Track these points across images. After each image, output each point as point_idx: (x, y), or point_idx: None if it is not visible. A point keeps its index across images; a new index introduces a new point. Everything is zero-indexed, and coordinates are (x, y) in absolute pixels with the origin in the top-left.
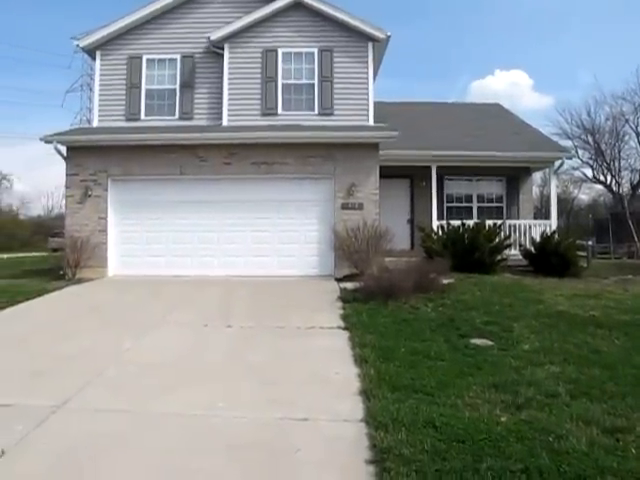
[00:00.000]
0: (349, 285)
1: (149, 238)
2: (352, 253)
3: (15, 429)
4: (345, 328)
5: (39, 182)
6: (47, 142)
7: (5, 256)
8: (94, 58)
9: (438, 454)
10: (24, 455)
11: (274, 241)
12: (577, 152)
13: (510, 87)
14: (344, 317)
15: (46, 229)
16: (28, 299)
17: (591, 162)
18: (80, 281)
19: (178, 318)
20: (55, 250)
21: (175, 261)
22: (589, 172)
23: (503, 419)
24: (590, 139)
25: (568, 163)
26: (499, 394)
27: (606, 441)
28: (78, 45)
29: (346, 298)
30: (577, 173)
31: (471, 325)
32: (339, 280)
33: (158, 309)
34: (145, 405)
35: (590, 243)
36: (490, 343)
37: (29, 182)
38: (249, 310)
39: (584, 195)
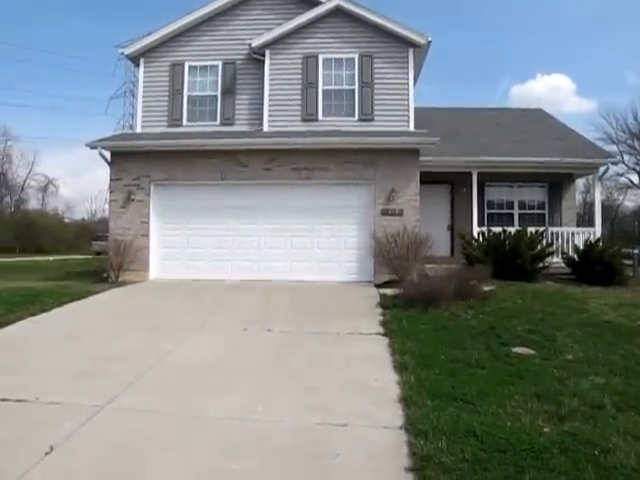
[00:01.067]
0: (389, 291)
1: (190, 242)
2: (392, 259)
3: (63, 426)
4: (385, 334)
5: (83, 187)
6: (92, 147)
7: (51, 258)
8: (138, 65)
9: (479, 464)
10: (71, 452)
11: (314, 246)
12: (622, 157)
13: (552, 91)
14: (383, 323)
15: (90, 232)
16: (74, 300)
17: (637, 168)
18: (123, 284)
19: (218, 322)
20: (98, 253)
21: (215, 265)
22: (635, 178)
23: (546, 430)
24: (636, 144)
25: (613, 169)
26: (542, 404)
27: None
28: (123, 53)
29: (386, 304)
30: (622, 179)
31: (512, 333)
32: (378, 286)
33: (199, 313)
34: (186, 407)
35: (636, 251)
36: (532, 352)
37: (74, 187)
38: (288, 315)
39: (629, 202)
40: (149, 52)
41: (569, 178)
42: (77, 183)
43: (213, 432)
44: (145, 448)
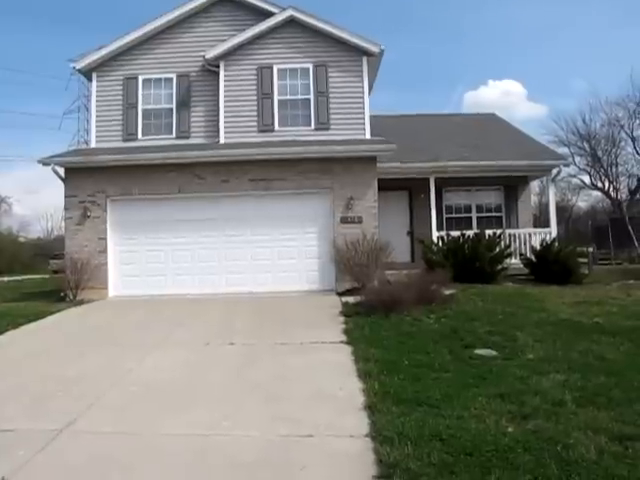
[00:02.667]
0: (351, 299)
1: (149, 257)
2: (353, 267)
3: (16, 454)
4: (348, 342)
5: (39, 204)
6: (45, 164)
7: (6, 279)
8: (90, 80)
9: (446, 467)
10: None
11: (274, 257)
12: (574, 159)
13: (504, 97)
14: (346, 331)
15: (47, 251)
16: (30, 321)
17: (588, 169)
18: (81, 302)
19: (180, 337)
20: (56, 272)
21: (176, 280)
22: (587, 179)
23: (510, 429)
24: (586, 146)
25: (565, 170)
26: (505, 404)
27: (615, 449)
28: (74, 67)
29: (348, 312)
30: (575, 180)
31: (474, 335)
32: (340, 294)
33: (160, 329)
34: (149, 426)
35: (591, 249)
36: (494, 353)
37: (28, 205)
38: (251, 327)
39: (582, 202)
40: (101, 66)
41: (524, 180)
42: (32, 201)
43: (178, 450)
44: (108, 472)
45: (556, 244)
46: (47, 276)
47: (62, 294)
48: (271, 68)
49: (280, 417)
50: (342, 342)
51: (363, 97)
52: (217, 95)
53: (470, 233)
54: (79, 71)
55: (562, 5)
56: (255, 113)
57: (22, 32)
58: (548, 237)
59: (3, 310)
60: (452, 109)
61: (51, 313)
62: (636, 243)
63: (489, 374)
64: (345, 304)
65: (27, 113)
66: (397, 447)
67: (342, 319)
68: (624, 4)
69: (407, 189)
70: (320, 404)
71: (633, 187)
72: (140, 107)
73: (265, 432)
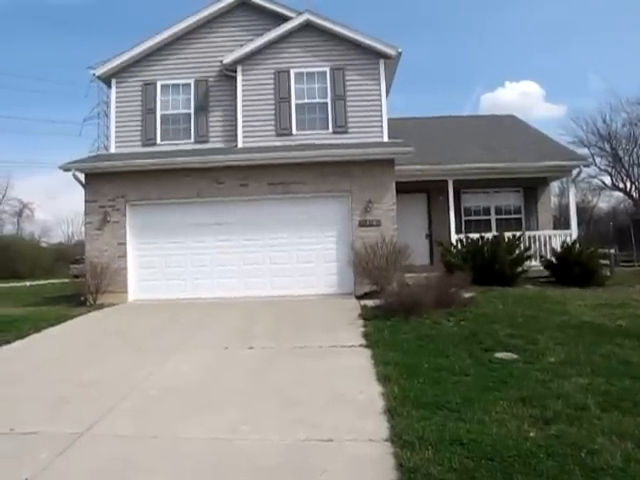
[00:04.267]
0: (369, 302)
1: (168, 262)
2: (371, 270)
3: (39, 457)
4: (367, 346)
5: (59, 210)
6: (66, 170)
7: (28, 283)
8: (110, 86)
9: (467, 472)
10: None
11: (293, 261)
12: (594, 160)
13: (522, 98)
14: (365, 335)
15: (67, 256)
16: (52, 325)
17: (609, 169)
18: (101, 307)
19: (199, 341)
20: (76, 276)
21: (195, 284)
22: (607, 179)
23: (532, 434)
24: (607, 146)
25: (586, 171)
26: (527, 408)
27: None
28: (94, 74)
29: (367, 316)
30: (595, 181)
31: (494, 339)
32: (359, 298)
33: (179, 333)
34: (168, 430)
35: (612, 251)
36: (515, 356)
37: (50, 210)
38: (270, 331)
39: (603, 203)
40: (120, 72)
41: (544, 182)
42: (53, 206)
43: (197, 454)
44: (128, 474)
45: (577, 246)
46: (67, 280)
47: (82, 298)
48: (288, 72)
49: (299, 421)
50: (361, 345)
51: (380, 100)
52: (235, 99)
53: (489, 235)
54: (98, 78)
55: (578, 5)
56: (273, 117)
57: (42, 39)
58: (569, 239)
59: (25, 314)
60: (469, 111)
61: (72, 317)
62: None
63: (510, 378)
64: (364, 307)
65: (48, 120)
66: (417, 451)
67: (361, 322)
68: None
69: (425, 191)
70: (339, 408)
71: None
72: (159, 112)
73: (284, 436)
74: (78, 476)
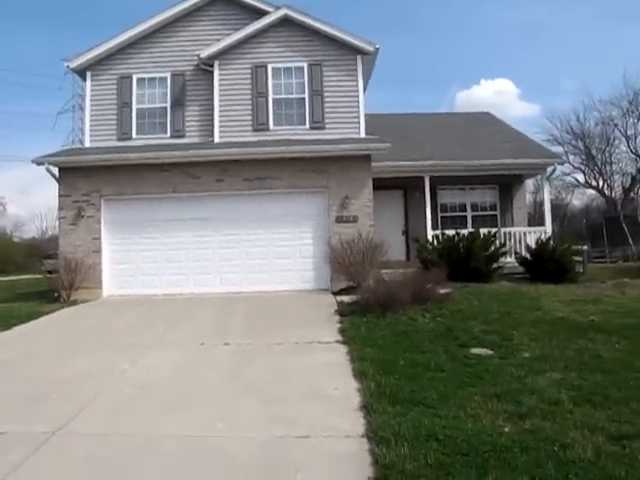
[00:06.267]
0: (346, 298)
1: (143, 257)
2: (348, 266)
3: (8, 458)
4: (343, 342)
5: (33, 204)
6: (39, 164)
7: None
8: (85, 79)
9: (442, 468)
10: None
11: (269, 256)
12: (568, 158)
13: (497, 96)
14: (342, 331)
15: (41, 251)
16: (23, 322)
17: (582, 167)
18: (75, 303)
19: (175, 338)
20: (50, 272)
21: (171, 279)
22: (581, 177)
23: (507, 429)
24: (580, 144)
25: (560, 169)
26: (501, 404)
27: (613, 449)
28: (68, 66)
29: (343, 311)
30: (569, 179)
31: (470, 335)
32: (336, 294)
33: (154, 329)
34: (143, 428)
35: (585, 248)
36: (490, 352)
37: (23, 205)
38: (246, 327)
39: (577, 200)
40: (96, 65)
41: (519, 179)
42: (26, 201)
43: (173, 452)
44: (101, 475)
45: (551, 242)
46: (40, 276)
47: (56, 294)
48: (266, 67)
49: (276, 418)
50: (337, 342)
51: (358, 96)
52: (212, 94)
53: (465, 232)
54: (73, 70)
55: (551, 4)
56: (250, 112)
57: (13, 31)
58: (543, 236)
59: None
60: (446, 109)
61: (44, 314)
62: (630, 241)
63: (485, 373)
64: (340, 303)
65: (21, 113)
66: (393, 448)
67: (337, 318)
68: (614, 4)
69: (402, 188)
70: (316, 404)
71: (627, 185)
72: (134, 106)
73: (261, 433)
74: (49, 476)
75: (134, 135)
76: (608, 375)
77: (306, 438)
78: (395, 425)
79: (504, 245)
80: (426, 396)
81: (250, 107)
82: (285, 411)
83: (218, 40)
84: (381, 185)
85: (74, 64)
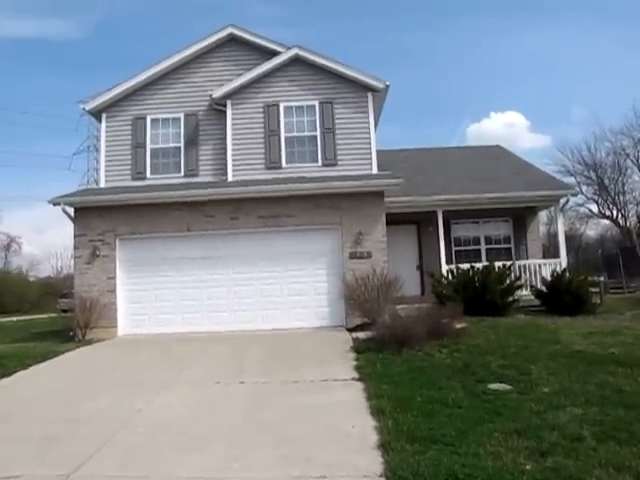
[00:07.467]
0: (361, 335)
1: (158, 296)
2: (363, 302)
3: None
4: (359, 379)
5: (48, 244)
6: (55, 204)
7: (15, 318)
8: (100, 120)
9: None
10: None
11: (284, 294)
12: (581, 188)
13: (507, 128)
14: (358, 368)
15: (56, 290)
16: (38, 362)
17: (596, 197)
18: (90, 342)
19: (190, 376)
20: (65, 311)
21: (185, 318)
22: (594, 208)
23: (528, 467)
24: (593, 175)
25: (573, 200)
26: (522, 440)
27: None
28: (84, 108)
29: (359, 348)
30: (583, 209)
31: (487, 370)
32: (351, 330)
33: (169, 368)
34: (158, 469)
35: (602, 279)
36: (508, 387)
37: (38, 244)
38: (261, 365)
39: (591, 231)
40: (110, 107)
41: (532, 211)
42: (42, 240)
43: None
44: None
45: (567, 274)
46: (55, 315)
47: (71, 333)
48: (277, 106)
49: (292, 457)
50: (353, 379)
51: (369, 132)
52: (224, 133)
53: (480, 265)
54: (89, 112)
55: (561, 37)
56: (262, 150)
57: (32, 74)
58: (558, 267)
59: (11, 351)
60: (456, 142)
61: (60, 353)
62: None
63: (504, 409)
64: (356, 340)
65: (37, 153)
66: None
67: (353, 355)
68: (623, 35)
69: (415, 223)
70: (332, 443)
71: None
72: (149, 146)
73: (277, 474)
74: None
75: (148, 175)
76: (631, 410)
77: (323, 478)
78: (414, 464)
79: (519, 278)
80: (444, 433)
81: (263, 145)
82: (301, 450)
83: (230, 80)
84: (394, 220)
85: (90, 106)
